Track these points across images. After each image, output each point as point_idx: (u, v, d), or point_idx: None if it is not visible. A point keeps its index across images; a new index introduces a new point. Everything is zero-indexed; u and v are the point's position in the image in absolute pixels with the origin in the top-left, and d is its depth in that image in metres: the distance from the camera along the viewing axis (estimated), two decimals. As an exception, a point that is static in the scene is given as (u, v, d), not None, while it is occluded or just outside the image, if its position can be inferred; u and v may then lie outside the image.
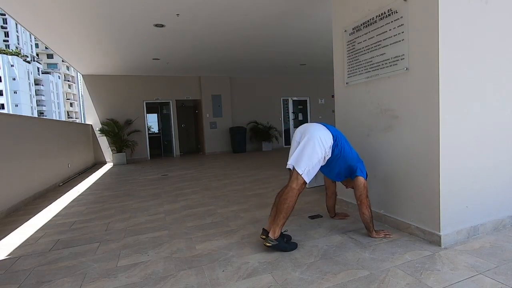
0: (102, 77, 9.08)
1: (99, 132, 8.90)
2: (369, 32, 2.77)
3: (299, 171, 2.24)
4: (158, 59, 7.51)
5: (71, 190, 5.22)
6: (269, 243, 2.24)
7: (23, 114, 37.96)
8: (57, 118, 45.41)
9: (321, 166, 2.45)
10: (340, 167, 2.49)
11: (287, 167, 2.36)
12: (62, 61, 14.66)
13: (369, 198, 2.41)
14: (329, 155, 2.36)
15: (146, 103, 9.77)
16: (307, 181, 2.27)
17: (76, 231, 3.03)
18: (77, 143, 7.58)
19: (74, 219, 3.46)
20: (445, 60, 2.14)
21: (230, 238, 2.59)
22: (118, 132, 8.90)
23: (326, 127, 2.41)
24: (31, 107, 55.85)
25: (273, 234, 2.23)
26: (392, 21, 2.51)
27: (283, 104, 11.75)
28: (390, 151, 2.64)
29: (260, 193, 4.22)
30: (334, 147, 2.36)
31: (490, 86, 2.36)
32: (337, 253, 2.18)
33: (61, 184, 5.84)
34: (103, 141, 9.16)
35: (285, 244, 2.28)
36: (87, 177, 6.73)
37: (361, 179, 2.37)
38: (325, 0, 4.28)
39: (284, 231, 2.34)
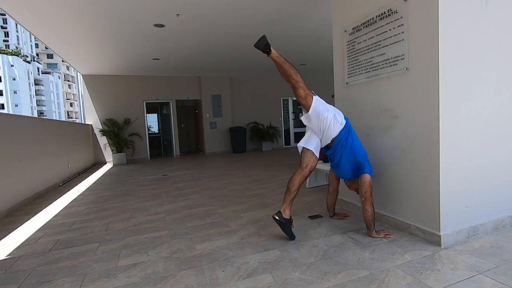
0: (102, 77, 9.07)
1: (100, 132, 8.90)
2: (369, 32, 2.77)
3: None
4: (158, 59, 7.51)
5: (71, 190, 5.22)
6: (278, 216, 2.39)
7: (23, 114, 37.95)
8: (57, 118, 45.39)
9: (330, 156, 2.60)
10: (349, 162, 2.52)
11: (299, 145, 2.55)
12: (62, 61, 14.66)
13: (373, 197, 2.43)
14: (343, 122, 2.47)
15: (146, 103, 9.78)
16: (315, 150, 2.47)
17: (76, 231, 3.03)
18: (77, 143, 7.58)
19: (74, 219, 3.46)
20: (445, 60, 2.14)
21: (230, 238, 2.59)
22: (118, 132, 8.90)
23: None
24: (31, 107, 55.82)
25: (284, 212, 2.41)
26: (392, 21, 2.51)
27: (283, 104, 11.75)
28: (390, 151, 2.64)
29: (260, 193, 4.22)
30: (345, 127, 2.48)
31: (490, 86, 2.36)
32: (337, 253, 2.18)
33: (61, 184, 5.84)
34: (102, 141, 9.16)
35: (290, 228, 2.42)
36: (87, 177, 6.73)
37: (367, 176, 2.40)
38: (325, 0, 4.28)
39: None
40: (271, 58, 2.45)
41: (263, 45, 2.42)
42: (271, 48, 2.45)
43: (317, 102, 2.41)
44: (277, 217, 2.41)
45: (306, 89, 2.41)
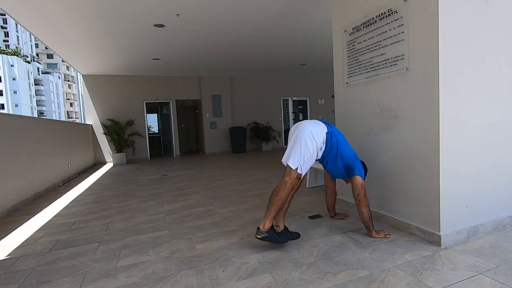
0: (102, 77, 9.07)
1: (103, 131, 8.90)
2: (369, 32, 2.77)
3: (292, 166, 2.28)
4: (158, 59, 7.51)
5: (71, 190, 5.22)
6: (259, 235, 2.23)
7: (23, 114, 37.95)
8: (57, 118, 45.38)
9: (321, 163, 2.55)
10: (338, 165, 2.51)
11: (282, 160, 2.41)
12: (62, 61, 14.66)
13: (367, 198, 2.42)
14: (324, 149, 2.41)
15: (146, 103, 9.78)
16: (302, 174, 2.31)
17: (76, 231, 3.03)
18: (77, 143, 7.58)
19: (74, 219, 3.46)
20: (445, 60, 2.14)
21: (230, 238, 2.59)
22: (119, 132, 8.90)
23: (322, 122, 2.48)
24: (31, 107, 55.80)
25: (263, 226, 2.23)
26: (392, 21, 2.51)
27: (283, 104, 11.75)
28: (390, 151, 2.64)
29: (260, 193, 4.22)
30: (328, 141, 2.40)
31: (490, 86, 2.36)
32: (337, 253, 2.18)
33: (61, 184, 5.84)
34: (103, 141, 9.16)
35: (275, 236, 2.26)
36: (87, 177, 6.73)
37: (358, 178, 2.39)
38: (325, 0, 4.28)
39: (291, 233, 2.39)
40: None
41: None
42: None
43: (300, 168, 2.27)
44: (258, 236, 2.23)
45: (289, 180, 2.28)
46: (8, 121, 4.23)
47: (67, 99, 68.99)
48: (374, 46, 2.73)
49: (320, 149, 2.40)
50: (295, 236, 2.43)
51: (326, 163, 2.56)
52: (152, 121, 12.74)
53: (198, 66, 8.61)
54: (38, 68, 61.51)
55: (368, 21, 2.77)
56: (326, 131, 2.40)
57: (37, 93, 59.87)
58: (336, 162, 2.49)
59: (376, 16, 2.67)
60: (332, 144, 2.42)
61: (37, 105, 59.42)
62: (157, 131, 12.29)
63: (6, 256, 2.48)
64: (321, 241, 2.43)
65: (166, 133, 10.68)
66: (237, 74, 10.37)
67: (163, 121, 10.81)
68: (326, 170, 2.77)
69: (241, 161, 8.07)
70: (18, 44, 60.11)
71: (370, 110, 2.83)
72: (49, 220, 3.46)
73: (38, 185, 4.87)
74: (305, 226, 2.79)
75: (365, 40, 2.82)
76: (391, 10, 2.51)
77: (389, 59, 2.57)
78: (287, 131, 11.87)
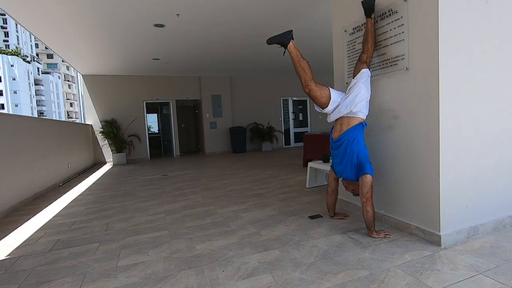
0: (102, 77, 9.08)
1: (100, 134, 8.90)
2: (369, 32, 2.76)
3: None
4: (158, 59, 7.52)
5: (71, 190, 5.22)
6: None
7: (23, 114, 37.96)
8: (57, 118, 45.37)
9: (333, 145, 2.66)
10: (351, 160, 2.53)
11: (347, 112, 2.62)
12: (62, 61, 14.67)
13: (373, 198, 2.43)
14: (365, 113, 2.60)
15: (146, 103, 9.78)
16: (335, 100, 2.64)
17: (76, 231, 3.03)
18: (77, 143, 7.58)
19: (74, 219, 3.46)
20: (445, 60, 2.14)
21: (230, 238, 2.59)
22: (117, 133, 8.90)
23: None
24: (31, 107, 55.78)
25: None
26: (392, 21, 2.51)
27: (283, 104, 11.75)
28: (390, 151, 2.64)
29: (260, 193, 4.22)
30: (363, 124, 2.58)
31: (491, 86, 2.36)
32: (337, 253, 2.18)
33: (61, 184, 5.84)
34: (102, 141, 9.16)
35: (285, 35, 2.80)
36: (87, 177, 6.73)
37: (369, 177, 2.40)
38: (325, 0, 4.28)
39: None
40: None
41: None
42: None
43: (367, 72, 2.62)
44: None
45: (369, 58, 2.64)
46: (8, 121, 4.22)
47: (67, 99, 68.96)
48: (375, 46, 2.72)
49: (360, 110, 2.54)
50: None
51: (340, 146, 2.59)
52: (152, 121, 12.75)
53: (198, 66, 8.61)
54: (38, 68, 61.48)
55: (368, 21, 2.76)
56: (365, 118, 2.61)
57: (37, 93, 59.84)
58: (350, 155, 2.53)
59: (377, 16, 2.67)
60: (357, 133, 2.53)
61: (37, 105, 59.39)
62: (157, 131, 12.30)
63: (6, 256, 2.48)
64: (321, 241, 2.43)
65: (166, 133, 10.68)
66: (237, 74, 10.37)
67: (163, 121, 10.81)
68: (331, 169, 2.78)
69: (241, 161, 8.07)
70: (18, 44, 60.08)
71: (370, 110, 2.82)
72: (49, 220, 3.46)
73: (38, 185, 4.87)
74: (305, 226, 2.79)
75: (365, 40, 2.82)
76: (391, 10, 2.51)
77: (389, 59, 2.57)
78: (287, 131, 11.89)
